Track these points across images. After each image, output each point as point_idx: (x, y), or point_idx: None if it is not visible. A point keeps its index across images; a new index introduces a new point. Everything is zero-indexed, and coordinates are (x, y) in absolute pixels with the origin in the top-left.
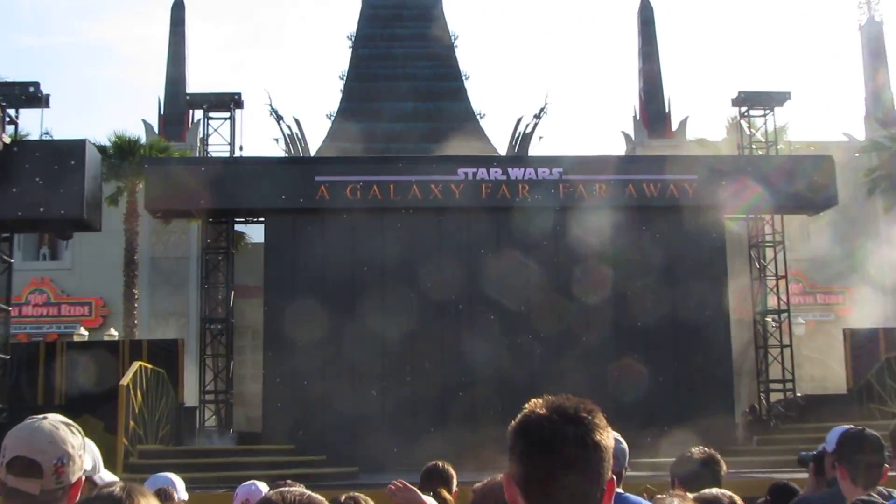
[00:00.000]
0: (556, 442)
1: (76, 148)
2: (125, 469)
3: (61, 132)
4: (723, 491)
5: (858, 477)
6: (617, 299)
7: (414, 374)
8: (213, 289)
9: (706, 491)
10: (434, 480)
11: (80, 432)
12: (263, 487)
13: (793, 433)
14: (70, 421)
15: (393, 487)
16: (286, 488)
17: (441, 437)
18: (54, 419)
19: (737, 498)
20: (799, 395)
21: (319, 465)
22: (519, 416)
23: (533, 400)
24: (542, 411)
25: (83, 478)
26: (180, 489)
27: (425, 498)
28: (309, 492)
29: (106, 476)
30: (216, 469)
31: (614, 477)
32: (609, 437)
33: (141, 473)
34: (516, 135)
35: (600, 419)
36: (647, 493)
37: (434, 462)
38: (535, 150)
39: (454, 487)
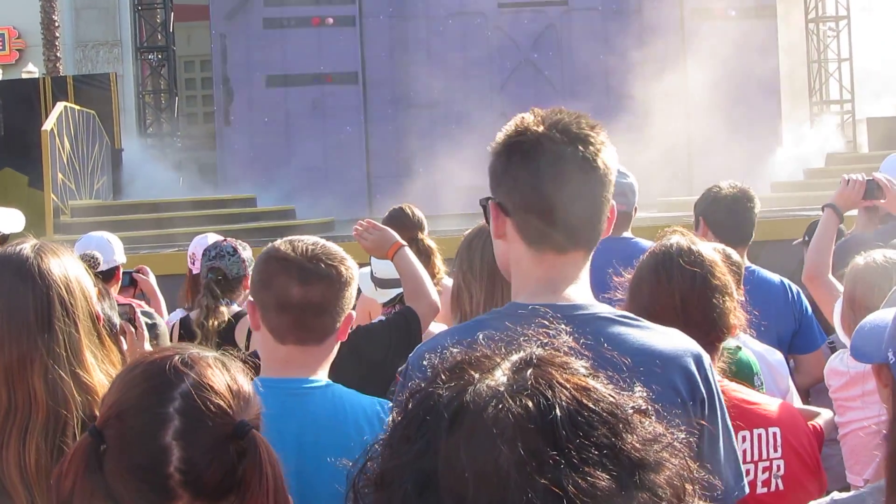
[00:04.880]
0: (561, 164)
1: None
2: (56, 230)
3: None
4: (715, 245)
5: None
6: None
7: (399, 105)
8: (149, 11)
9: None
10: (404, 228)
11: None
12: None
13: (851, 163)
14: None
15: (360, 228)
16: (296, 237)
17: (433, 176)
18: None
19: (731, 251)
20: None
21: (287, 217)
22: (507, 131)
23: (521, 115)
24: (540, 128)
25: None
26: (117, 250)
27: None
28: (323, 240)
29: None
30: (163, 225)
31: (614, 203)
32: (613, 158)
33: (74, 234)
34: None
35: (604, 136)
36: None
37: (398, 206)
38: None
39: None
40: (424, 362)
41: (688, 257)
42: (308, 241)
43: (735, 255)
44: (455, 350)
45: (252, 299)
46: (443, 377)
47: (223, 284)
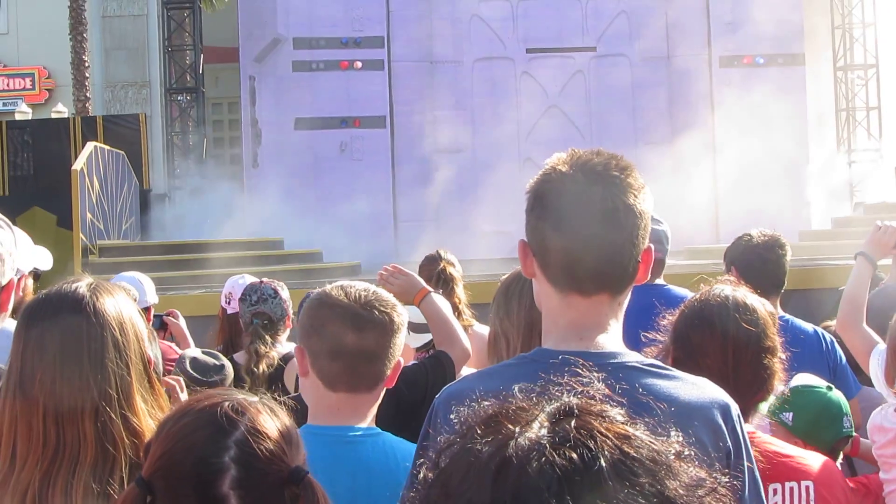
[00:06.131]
0: (580, 205)
1: None
2: (84, 269)
3: None
4: (762, 301)
5: None
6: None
7: (426, 149)
8: (179, 52)
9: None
10: (433, 262)
11: (8, 226)
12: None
13: (880, 212)
14: None
15: (385, 273)
16: (347, 283)
17: (460, 221)
18: None
19: (765, 302)
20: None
21: (314, 260)
22: (539, 173)
23: (556, 154)
24: (565, 168)
25: (15, 280)
26: (148, 291)
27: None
28: (373, 286)
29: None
30: (191, 266)
31: (652, 246)
32: (645, 201)
33: (102, 274)
34: None
35: (635, 178)
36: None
37: (434, 251)
38: None
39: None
40: (452, 416)
41: (745, 314)
42: (359, 286)
43: (769, 306)
44: (486, 403)
45: (300, 345)
46: (478, 431)
47: (268, 328)
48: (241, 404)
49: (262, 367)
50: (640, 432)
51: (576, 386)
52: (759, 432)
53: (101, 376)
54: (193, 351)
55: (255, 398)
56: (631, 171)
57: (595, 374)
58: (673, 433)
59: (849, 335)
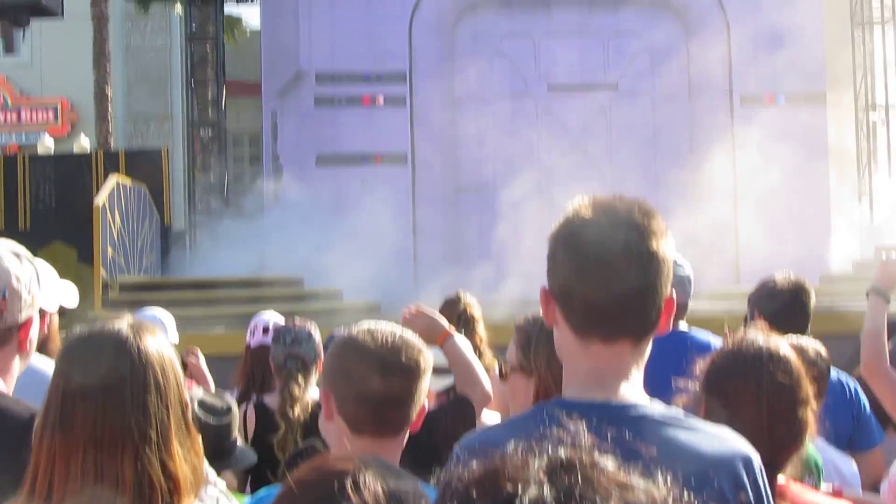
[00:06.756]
0: (602, 250)
1: None
2: (104, 305)
3: None
4: (809, 340)
5: None
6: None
7: (447, 187)
8: (201, 86)
9: (790, 337)
10: (453, 305)
11: (31, 262)
12: (279, 319)
13: None
14: (19, 249)
15: (408, 315)
16: (374, 326)
17: (481, 260)
18: None
19: (821, 348)
20: None
21: (333, 298)
22: (561, 218)
23: (578, 198)
24: (587, 213)
25: (36, 317)
26: (169, 328)
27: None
28: (399, 329)
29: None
30: (211, 304)
31: (674, 294)
32: (668, 247)
33: (122, 310)
34: None
35: (658, 224)
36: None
37: (454, 292)
38: None
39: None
40: (431, 481)
41: (779, 365)
42: (386, 330)
43: (823, 352)
44: (475, 463)
45: (325, 388)
46: (473, 494)
47: (301, 369)
48: (364, 483)
49: (297, 410)
50: (636, 480)
51: (562, 436)
52: (793, 483)
53: (143, 418)
54: (197, 392)
55: (406, 487)
56: (654, 216)
57: (581, 424)
58: (660, 476)
59: (874, 379)
